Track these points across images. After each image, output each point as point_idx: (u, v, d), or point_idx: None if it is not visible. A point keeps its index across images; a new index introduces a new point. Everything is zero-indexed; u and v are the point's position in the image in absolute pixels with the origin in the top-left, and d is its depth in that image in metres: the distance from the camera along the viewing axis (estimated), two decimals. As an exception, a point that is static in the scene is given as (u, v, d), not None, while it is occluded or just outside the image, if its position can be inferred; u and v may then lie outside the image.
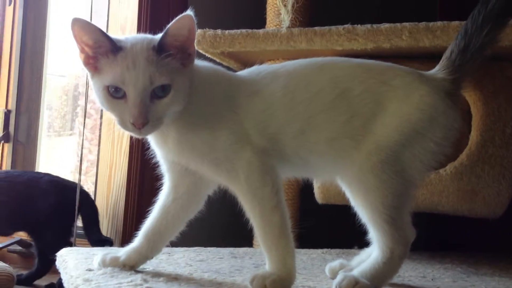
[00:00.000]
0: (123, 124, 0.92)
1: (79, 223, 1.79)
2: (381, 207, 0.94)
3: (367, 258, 1.02)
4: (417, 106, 0.96)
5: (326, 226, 1.75)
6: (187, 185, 1.04)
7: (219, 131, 0.95)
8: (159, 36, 0.93)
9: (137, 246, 1.04)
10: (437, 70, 1.02)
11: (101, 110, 1.95)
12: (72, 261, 1.09)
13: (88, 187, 2.31)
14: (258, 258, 1.30)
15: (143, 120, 0.88)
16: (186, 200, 1.05)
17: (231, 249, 1.43)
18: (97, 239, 1.73)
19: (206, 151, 0.95)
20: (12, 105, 2.46)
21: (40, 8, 2.48)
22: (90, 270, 1.01)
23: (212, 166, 0.96)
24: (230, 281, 1.00)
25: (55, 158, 2.70)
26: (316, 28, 1.46)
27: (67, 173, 2.57)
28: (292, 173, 1.09)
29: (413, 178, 0.97)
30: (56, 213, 1.72)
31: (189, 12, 0.89)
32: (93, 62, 0.92)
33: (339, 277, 0.95)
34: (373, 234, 0.98)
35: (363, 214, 0.98)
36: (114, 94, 0.90)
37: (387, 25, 1.40)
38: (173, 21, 0.90)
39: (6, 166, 2.42)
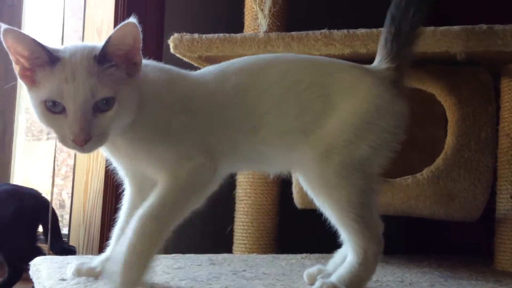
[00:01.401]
0: (63, 141, 0.85)
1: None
2: (347, 206, 0.94)
3: (341, 260, 1.03)
4: (364, 97, 0.96)
5: (305, 230, 1.75)
6: (151, 185, 0.98)
7: (175, 135, 0.92)
8: (101, 45, 0.88)
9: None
10: (378, 61, 1.04)
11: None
12: (45, 270, 1.07)
13: (68, 192, 2.28)
14: (237, 264, 1.29)
15: (85, 136, 0.82)
16: None
17: (210, 255, 1.42)
18: (60, 248, 1.71)
19: (162, 155, 0.92)
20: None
21: (15, 12, 2.43)
22: (63, 279, 0.99)
23: (160, 164, 0.93)
24: (207, 289, 0.99)
25: (34, 162, 2.65)
26: (293, 33, 1.46)
27: (46, 178, 2.52)
28: (248, 167, 1.09)
29: (373, 170, 0.97)
30: (15, 222, 1.70)
31: (132, 19, 0.84)
32: (29, 74, 0.86)
33: (317, 284, 0.94)
34: (344, 235, 0.97)
35: (330, 214, 0.97)
36: (52, 108, 0.84)
37: (363, 30, 1.41)
38: (116, 28, 0.84)
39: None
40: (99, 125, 0.85)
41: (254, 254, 1.60)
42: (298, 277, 1.16)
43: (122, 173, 1.03)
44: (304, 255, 1.51)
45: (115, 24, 1.94)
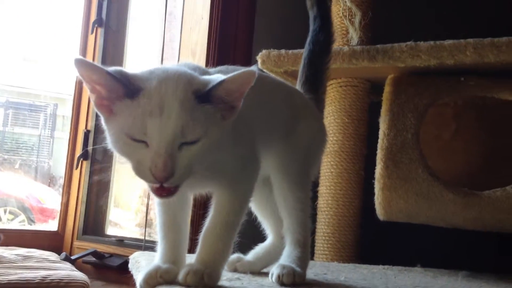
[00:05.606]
0: (140, 172, 0.76)
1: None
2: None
3: (262, 250, 1.14)
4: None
5: (387, 242, 1.73)
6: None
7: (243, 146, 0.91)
8: (204, 79, 0.80)
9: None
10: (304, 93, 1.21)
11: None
12: (144, 261, 1.17)
13: (155, 212, 2.46)
14: (318, 269, 1.32)
15: (168, 173, 0.74)
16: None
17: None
18: None
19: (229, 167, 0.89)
20: (91, 126, 2.66)
21: (119, 37, 2.69)
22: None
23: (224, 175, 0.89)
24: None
25: (124, 184, 2.80)
26: (378, 45, 1.50)
27: (135, 198, 2.66)
28: None
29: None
30: None
31: (255, 68, 0.78)
32: (107, 103, 0.78)
33: (276, 268, 0.97)
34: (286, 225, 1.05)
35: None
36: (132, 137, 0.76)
37: (450, 41, 1.41)
38: (235, 74, 0.77)
39: (84, 182, 2.60)
40: (183, 160, 0.76)
41: (335, 262, 1.61)
42: (381, 283, 1.16)
43: None
44: (386, 266, 1.50)
45: (208, 45, 2.08)
